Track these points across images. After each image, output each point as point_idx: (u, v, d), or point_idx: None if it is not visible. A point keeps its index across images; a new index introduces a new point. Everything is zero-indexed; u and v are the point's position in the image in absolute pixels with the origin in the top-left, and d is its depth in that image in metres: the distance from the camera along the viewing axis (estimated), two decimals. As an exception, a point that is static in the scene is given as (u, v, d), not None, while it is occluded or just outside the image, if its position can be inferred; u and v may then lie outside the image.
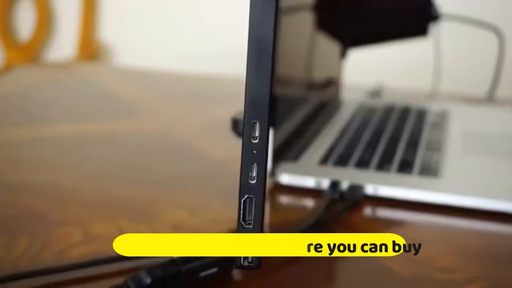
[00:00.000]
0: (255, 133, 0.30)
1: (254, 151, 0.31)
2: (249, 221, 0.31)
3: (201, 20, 1.81)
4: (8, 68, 1.78)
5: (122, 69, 1.24)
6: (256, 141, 0.30)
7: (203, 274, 0.41)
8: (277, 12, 0.29)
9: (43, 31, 1.93)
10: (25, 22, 1.94)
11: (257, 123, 0.30)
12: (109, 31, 1.92)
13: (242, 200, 0.31)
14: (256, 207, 0.31)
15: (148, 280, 0.39)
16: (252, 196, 0.31)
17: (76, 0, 1.88)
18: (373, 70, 1.27)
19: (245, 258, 0.32)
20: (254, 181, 0.31)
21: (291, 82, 0.66)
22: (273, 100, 0.31)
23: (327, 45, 0.81)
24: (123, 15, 1.90)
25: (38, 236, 0.47)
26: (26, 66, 1.66)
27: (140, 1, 1.89)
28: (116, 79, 1.03)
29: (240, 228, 0.31)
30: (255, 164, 0.31)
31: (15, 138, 0.70)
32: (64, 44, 1.91)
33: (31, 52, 1.92)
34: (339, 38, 0.86)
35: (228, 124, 0.62)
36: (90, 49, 1.88)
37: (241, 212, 0.31)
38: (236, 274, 0.43)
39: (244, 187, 0.31)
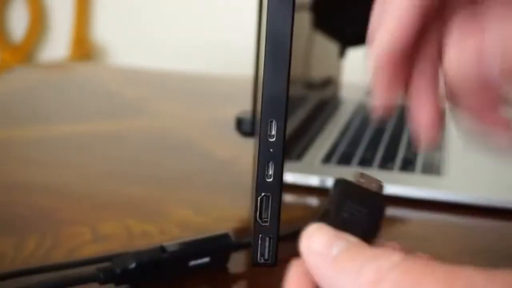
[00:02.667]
0: (272, 131, 0.31)
1: (271, 150, 0.31)
2: (265, 218, 0.32)
3: (198, 19, 1.80)
4: (2, 69, 1.77)
5: (120, 68, 1.24)
6: (273, 139, 0.31)
7: (193, 263, 0.41)
8: (294, 10, 0.29)
9: (37, 31, 1.92)
10: (18, 22, 1.93)
11: (274, 122, 0.30)
12: (104, 30, 1.91)
13: (258, 198, 0.31)
14: (273, 205, 0.31)
15: (132, 264, 0.39)
16: (269, 194, 0.31)
17: None
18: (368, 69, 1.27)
19: (262, 255, 0.32)
20: (271, 179, 0.31)
21: (292, 82, 0.66)
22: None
23: (326, 44, 0.81)
24: (117, 14, 1.90)
25: (47, 236, 0.47)
26: (24, 67, 1.65)
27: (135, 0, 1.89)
28: (114, 79, 1.03)
29: (257, 225, 0.32)
30: (271, 162, 0.31)
31: (21, 138, 0.70)
32: (58, 44, 1.91)
33: (25, 52, 1.91)
34: (337, 38, 0.87)
35: (230, 123, 0.62)
36: (85, 48, 1.88)
37: (258, 210, 0.32)
38: (232, 266, 0.43)
39: (261, 185, 0.31)
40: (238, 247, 0.42)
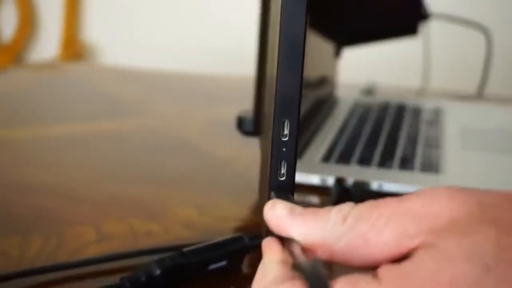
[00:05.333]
0: (285, 131, 0.31)
1: (284, 149, 0.31)
2: (278, 217, 0.32)
3: (188, 18, 1.80)
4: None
5: (113, 68, 1.24)
6: (286, 138, 0.31)
7: (212, 266, 0.42)
8: (308, 11, 0.29)
9: (26, 31, 1.91)
10: (7, 22, 1.92)
11: (287, 121, 0.31)
12: (93, 30, 1.91)
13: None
14: (286, 203, 0.32)
15: (157, 271, 0.39)
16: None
17: None
18: (362, 68, 1.28)
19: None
20: (284, 178, 0.31)
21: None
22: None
23: (321, 44, 0.82)
24: (107, 14, 1.89)
25: (51, 236, 0.47)
26: (17, 67, 1.64)
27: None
28: (108, 79, 1.03)
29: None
30: (284, 161, 0.31)
31: (19, 138, 0.70)
32: (47, 44, 1.90)
33: (14, 52, 1.90)
34: (333, 37, 0.87)
35: (230, 123, 0.63)
36: (75, 48, 1.87)
37: (270, 208, 0.32)
38: (245, 267, 0.44)
39: (273, 184, 0.31)
40: (253, 248, 0.43)
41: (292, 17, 0.30)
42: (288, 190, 0.32)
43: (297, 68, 0.30)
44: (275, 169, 0.31)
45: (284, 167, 0.31)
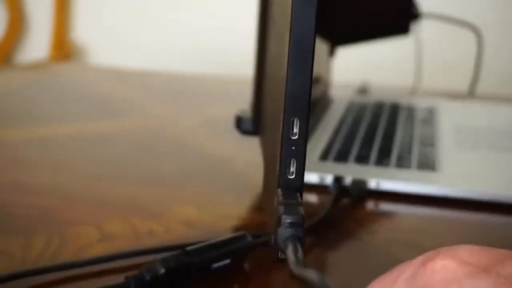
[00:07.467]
0: (294, 129, 0.31)
1: (293, 147, 0.31)
2: (287, 215, 0.32)
3: (180, 17, 1.80)
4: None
5: (104, 69, 1.23)
6: (295, 137, 0.31)
7: (215, 265, 0.42)
8: (319, 11, 0.30)
9: (16, 32, 1.90)
10: (-4, 22, 1.91)
11: (296, 120, 0.31)
12: (83, 30, 1.90)
13: (281, 195, 0.32)
14: (296, 201, 0.32)
15: (162, 270, 0.39)
16: (291, 191, 0.32)
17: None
18: (355, 68, 1.29)
19: (282, 252, 0.33)
20: (293, 176, 0.32)
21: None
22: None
23: (316, 44, 0.82)
24: (96, 14, 1.89)
25: (54, 236, 0.47)
26: (7, 68, 1.63)
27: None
28: (100, 79, 1.03)
29: (279, 221, 0.32)
30: (293, 159, 0.32)
31: (17, 138, 0.70)
32: (37, 45, 1.89)
33: (3, 53, 1.89)
34: (327, 37, 0.88)
35: (227, 122, 0.63)
36: (65, 49, 1.86)
37: (280, 206, 0.32)
38: (248, 265, 0.44)
39: (283, 182, 0.32)
40: (256, 246, 0.43)
41: (302, 18, 0.30)
42: (297, 188, 0.32)
43: (307, 67, 0.30)
44: (285, 168, 0.32)
45: (293, 166, 0.32)
